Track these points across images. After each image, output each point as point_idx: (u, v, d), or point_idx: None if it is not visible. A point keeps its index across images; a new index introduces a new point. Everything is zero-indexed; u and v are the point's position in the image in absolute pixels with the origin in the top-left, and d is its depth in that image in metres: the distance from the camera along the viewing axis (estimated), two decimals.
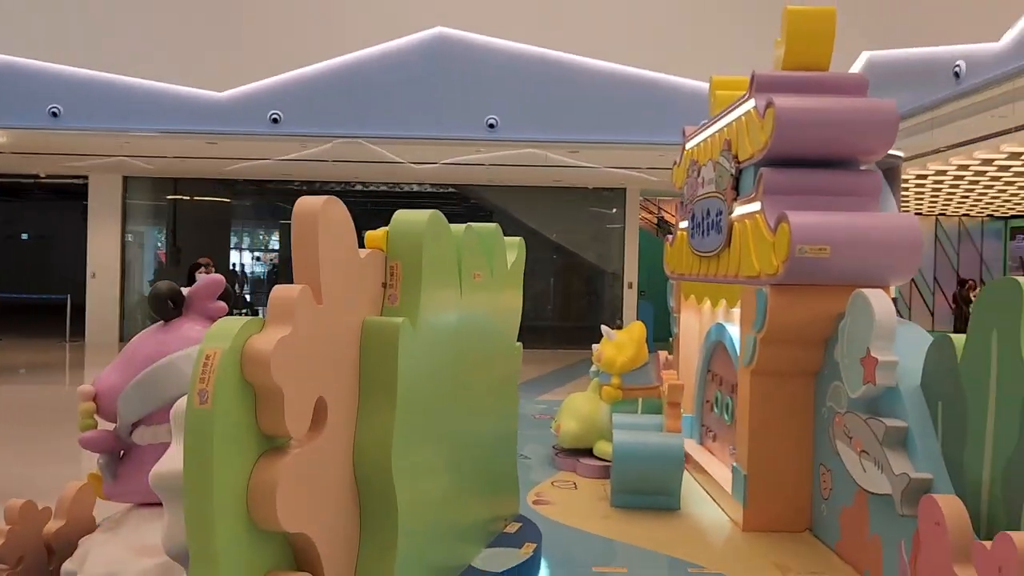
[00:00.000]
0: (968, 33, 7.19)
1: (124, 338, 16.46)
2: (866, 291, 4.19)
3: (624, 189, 16.36)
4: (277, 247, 25.12)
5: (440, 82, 10.69)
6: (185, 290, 3.49)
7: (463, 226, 3.91)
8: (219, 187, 19.49)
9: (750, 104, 5.19)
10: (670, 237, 7.47)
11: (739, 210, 5.33)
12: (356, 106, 10.68)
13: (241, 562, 2.55)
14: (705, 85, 8.63)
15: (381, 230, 3.33)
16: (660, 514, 5.35)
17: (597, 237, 17.83)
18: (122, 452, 3.38)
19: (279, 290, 2.68)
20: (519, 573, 3.95)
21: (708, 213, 6.00)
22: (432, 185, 18.73)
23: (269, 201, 21.73)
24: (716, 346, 6.31)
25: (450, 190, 19.10)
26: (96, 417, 3.33)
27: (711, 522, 5.24)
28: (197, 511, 2.44)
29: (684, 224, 6.80)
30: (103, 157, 13.46)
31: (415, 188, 19.66)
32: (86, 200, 16.57)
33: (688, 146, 6.90)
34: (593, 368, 6.82)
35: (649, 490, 5.42)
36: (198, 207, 19.15)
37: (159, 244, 18.43)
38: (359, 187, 19.71)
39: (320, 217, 2.80)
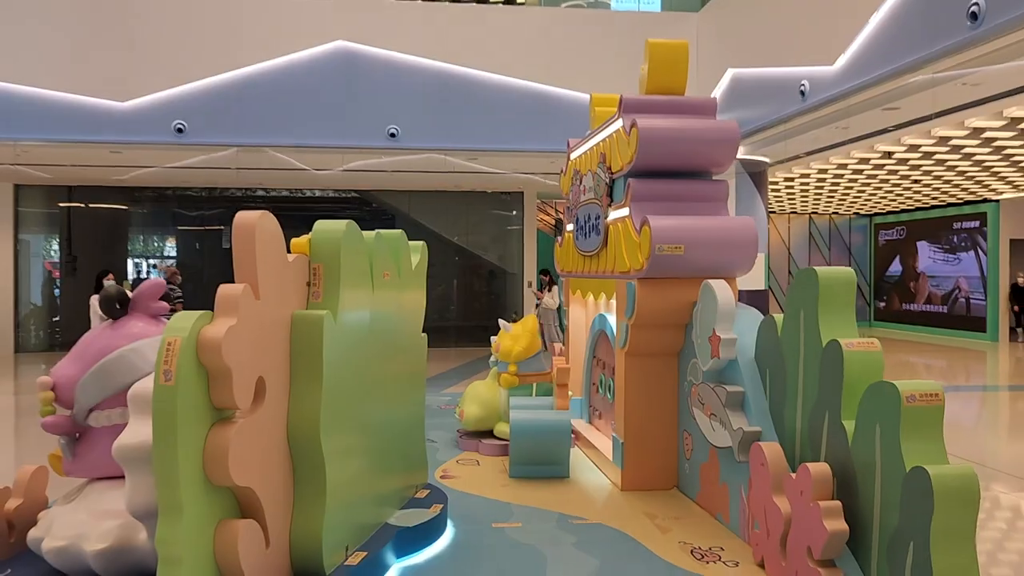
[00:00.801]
0: (811, 57, 8.27)
1: (19, 349, 16.20)
2: (712, 282, 5.07)
3: (522, 193, 17.19)
4: (175, 254, 24.84)
5: (343, 93, 11.21)
6: (131, 293, 4.01)
7: (373, 232, 4.55)
8: (116, 194, 19.30)
9: (619, 123, 6.00)
10: (559, 238, 8.27)
11: (613, 215, 6.14)
12: (260, 116, 11.07)
13: (200, 511, 3.14)
14: (586, 97, 9.49)
15: (304, 237, 3.96)
16: (552, 482, 6.10)
17: (497, 239, 18.61)
18: (78, 434, 3.86)
19: (225, 288, 3.28)
20: (429, 528, 4.63)
21: (589, 217, 6.80)
22: (335, 191, 19.12)
23: (167, 208, 21.56)
24: (599, 334, 7.13)
25: (352, 195, 19.53)
26: (54, 404, 3.81)
27: (595, 485, 6.03)
28: (165, 470, 3.02)
29: (570, 227, 7.59)
30: None
31: (318, 194, 20.01)
32: None
33: (572, 156, 7.70)
34: (492, 358, 7.55)
35: (542, 461, 6.18)
36: (94, 214, 18.92)
37: (51, 254, 18.07)
38: (261, 192, 19.93)
39: (256, 228, 3.41)
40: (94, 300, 9.34)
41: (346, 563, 3.87)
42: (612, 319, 6.64)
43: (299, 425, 3.65)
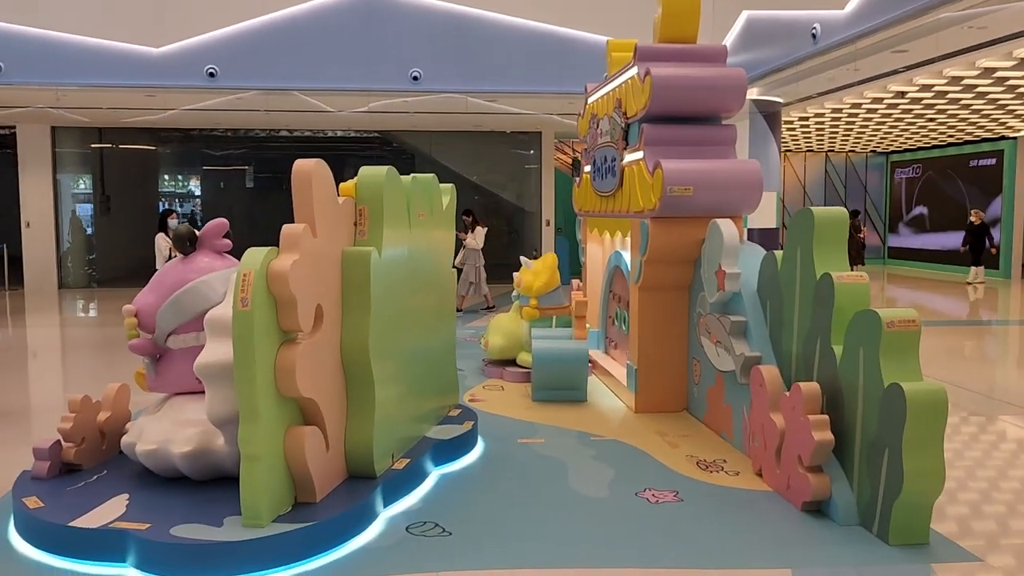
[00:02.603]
0: (822, 1, 8.51)
1: (63, 285, 16.88)
2: (718, 220, 5.50)
3: (540, 133, 17.48)
4: (199, 193, 25.31)
5: (367, 36, 11.51)
6: (198, 232, 4.52)
7: (410, 176, 5.01)
8: (144, 135, 19.75)
9: (634, 70, 6.36)
10: (577, 179, 8.67)
11: (628, 157, 6.54)
12: (288, 60, 11.42)
13: (272, 418, 3.68)
14: (602, 40, 9.77)
15: (351, 181, 4.43)
16: (571, 405, 6.66)
17: (515, 178, 18.97)
18: (158, 355, 4.41)
19: (289, 228, 3.78)
20: (462, 441, 5.19)
21: (606, 159, 7.20)
22: (356, 131, 19.44)
23: (194, 148, 22.00)
24: (615, 271, 7.60)
25: (374, 135, 19.85)
26: (137, 329, 4.35)
27: (611, 408, 6.58)
28: (245, 382, 3.56)
29: (588, 168, 7.99)
30: (32, 108, 13.81)
31: (339, 134, 20.34)
32: (11, 149, 16.75)
33: (589, 100, 8.06)
34: (514, 292, 8.06)
35: (562, 386, 6.72)
36: (124, 155, 19.42)
37: (84, 194, 18.59)
38: (284, 133, 20.31)
39: (313, 175, 3.89)
40: (160, 238, 9.96)
41: (392, 467, 4.44)
42: (627, 256, 7.10)
43: (351, 348, 4.17)
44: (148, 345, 4.36)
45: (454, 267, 6.01)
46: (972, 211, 18.25)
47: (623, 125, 6.62)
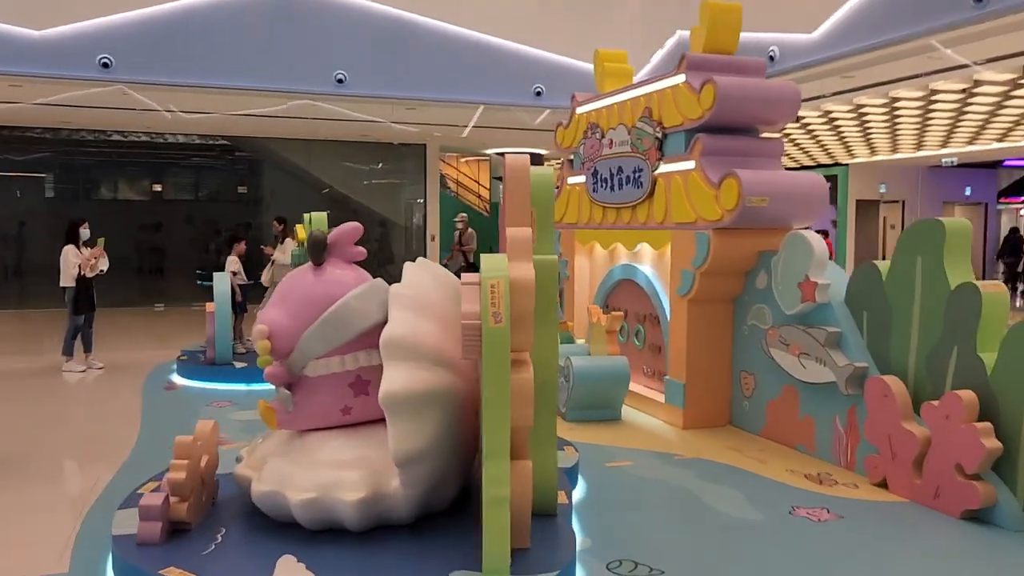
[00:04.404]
0: (785, 23, 8.86)
1: None
2: (803, 231, 5.49)
3: (424, 145, 16.97)
4: None
5: (283, 35, 10.59)
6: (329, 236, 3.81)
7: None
8: None
9: (677, 79, 6.23)
10: (556, 190, 8.41)
11: (666, 167, 6.39)
12: (196, 53, 10.21)
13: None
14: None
15: None
16: (607, 424, 6.36)
17: (394, 193, 18.25)
18: (289, 385, 3.67)
19: (516, 231, 3.27)
20: (573, 469, 4.77)
21: (621, 170, 7.01)
22: (200, 136, 17.58)
23: None
24: (620, 284, 7.41)
25: (219, 142, 18.00)
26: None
27: (652, 425, 6.36)
28: (496, 412, 3.01)
29: (580, 179, 7.75)
30: None
31: (181, 140, 18.29)
32: None
33: (581, 111, 7.85)
34: None
35: (600, 404, 6.42)
36: None
37: None
38: (116, 137, 18.07)
39: (530, 172, 3.39)
40: (68, 251, 8.16)
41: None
42: (646, 269, 6.95)
43: (540, 366, 3.67)
44: (286, 373, 3.61)
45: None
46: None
47: (658, 135, 6.47)
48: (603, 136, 7.36)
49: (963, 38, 7.26)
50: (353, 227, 3.87)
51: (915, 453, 4.54)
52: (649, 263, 7.00)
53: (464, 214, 14.87)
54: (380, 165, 18.03)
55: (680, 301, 6.25)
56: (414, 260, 3.89)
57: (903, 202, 21.60)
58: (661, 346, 6.75)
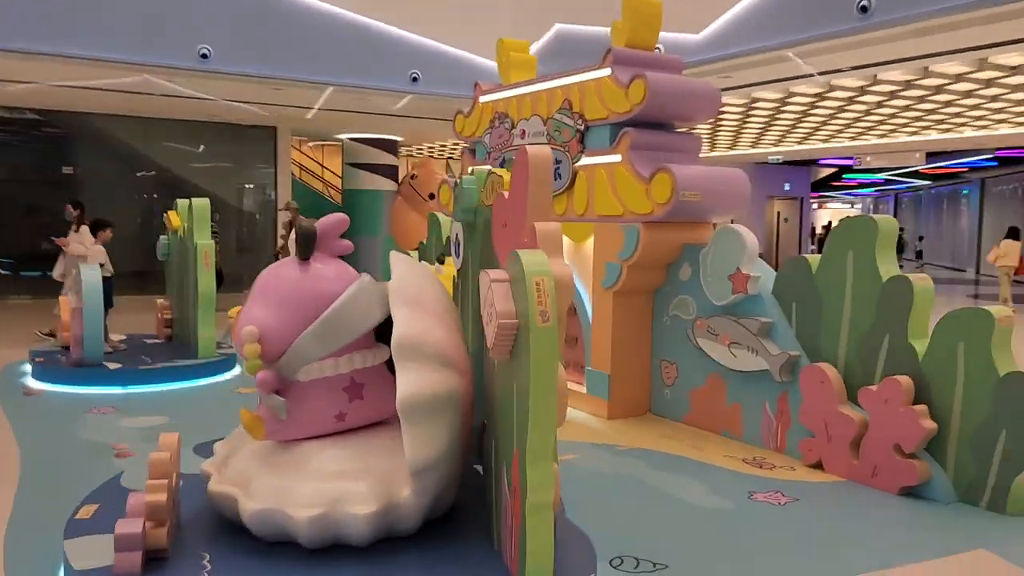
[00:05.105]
0: (673, 24, 9.12)
1: None
2: (734, 225, 5.69)
3: (275, 128, 16.08)
4: None
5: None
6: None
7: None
8: None
9: (602, 72, 6.27)
10: (451, 181, 8.23)
11: (589, 160, 6.42)
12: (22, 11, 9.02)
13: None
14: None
15: (505, 171, 3.77)
16: None
17: (243, 176, 17.17)
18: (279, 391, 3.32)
19: (544, 226, 3.13)
20: None
21: None
22: (7, 109, 15.65)
23: None
24: None
25: (27, 116, 16.08)
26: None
27: (580, 417, 6.34)
28: (543, 415, 2.86)
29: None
30: None
31: None
32: None
33: (485, 99, 7.73)
34: None
35: None
36: None
37: None
38: None
39: (550, 163, 3.26)
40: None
41: None
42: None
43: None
44: (277, 378, 3.27)
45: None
46: None
47: (579, 127, 6.49)
48: (513, 126, 7.28)
49: (849, 45, 7.80)
50: (339, 219, 3.56)
51: (852, 435, 4.84)
52: (566, 255, 7.00)
53: (294, 202, 13.42)
54: (223, 148, 16.94)
55: (605, 293, 6.30)
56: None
57: None
58: (578, 337, 6.78)
